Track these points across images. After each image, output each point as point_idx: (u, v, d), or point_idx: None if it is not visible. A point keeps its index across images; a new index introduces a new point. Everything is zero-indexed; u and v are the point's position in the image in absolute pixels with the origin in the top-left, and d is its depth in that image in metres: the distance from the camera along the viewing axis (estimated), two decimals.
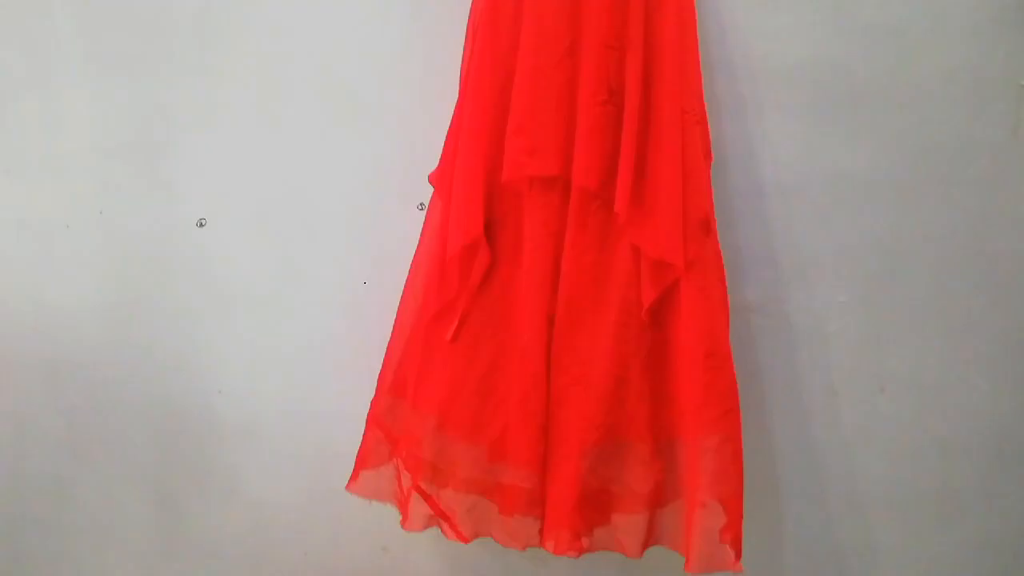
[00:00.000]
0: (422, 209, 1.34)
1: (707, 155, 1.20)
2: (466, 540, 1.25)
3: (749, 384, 1.33)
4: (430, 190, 1.27)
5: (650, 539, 1.22)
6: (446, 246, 1.20)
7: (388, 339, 1.29)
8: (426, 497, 1.23)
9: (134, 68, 1.38)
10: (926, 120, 1.27)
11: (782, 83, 1.27)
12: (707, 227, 1.16)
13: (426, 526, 1.28)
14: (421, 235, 1.28)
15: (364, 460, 1.29)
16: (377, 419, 1.28)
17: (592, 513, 1.19)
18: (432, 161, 1.26)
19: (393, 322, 1.29)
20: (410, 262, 1.29)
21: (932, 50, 1.25)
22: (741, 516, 1.16)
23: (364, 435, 1.29)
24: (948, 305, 1.32)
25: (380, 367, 1.30)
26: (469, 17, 1.22)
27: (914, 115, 1.27)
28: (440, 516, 1.24)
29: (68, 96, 1.39)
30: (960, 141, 1.28)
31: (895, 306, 1.33)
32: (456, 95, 1.24)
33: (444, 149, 1.24)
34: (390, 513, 1.30)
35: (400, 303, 1.29)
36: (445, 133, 1.25)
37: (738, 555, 1.16)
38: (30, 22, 1.37)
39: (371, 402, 1.29)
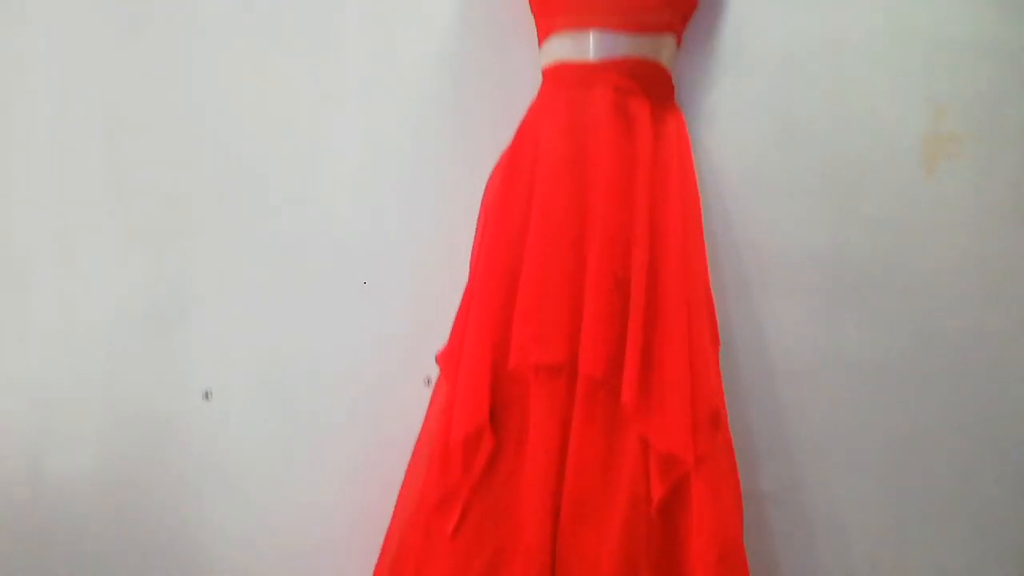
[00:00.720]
0: (428, 385, 1.33)
1: (715, 341, 1.19)
2: None
3: None
4: (436, 366, 1.26)
5: None
6: (450, 431, 1.18)
7: (387, 525, 1.25)
8: None
9: (153, 241, 1.41)
10: (935, 306, 1.27)
11: (788, 268, 1.29)
12: (717, 421, 1.13)
13: None
14: (426, 416, 1.26)
15: None
16: None
17: None
18: (440, 337, 1.26)
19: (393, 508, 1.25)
20: (415, 439, 1.26)
21: (936, 240, 1.26)
22: None
23: None
24: (970, 494, 1.27)
25: (379, 550, 1.24)
26: (481, 203, 1.26)
27: (922, 301, 1.27)
28: None
29: (87, 267, 1.42)
30: (971, 327, 1.27)
31: (915, 495, 1.29)
32: (466, 276, 1.25)
33: (453, 330, 1.24)
34: None
35: (402, 486, 1.25)
36: (454, 311, 1.25)
37: None
38: (58, 197, 1.42)
39: None
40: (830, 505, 1.30)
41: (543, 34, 1.21)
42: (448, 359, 1.23)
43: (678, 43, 1.23)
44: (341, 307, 1.39)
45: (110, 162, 1.39)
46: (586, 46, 1.16)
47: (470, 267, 1.25)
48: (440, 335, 1.26)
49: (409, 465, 1.25)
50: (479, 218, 1.26)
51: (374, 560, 1.25)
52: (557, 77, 1.20)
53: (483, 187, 1.25)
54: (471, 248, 1.26)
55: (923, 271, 1.26)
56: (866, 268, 1.27)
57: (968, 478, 1.27)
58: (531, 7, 1.23)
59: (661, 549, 1.12)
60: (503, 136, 1.24)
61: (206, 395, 1.42)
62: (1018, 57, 1.25)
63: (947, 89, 1.25)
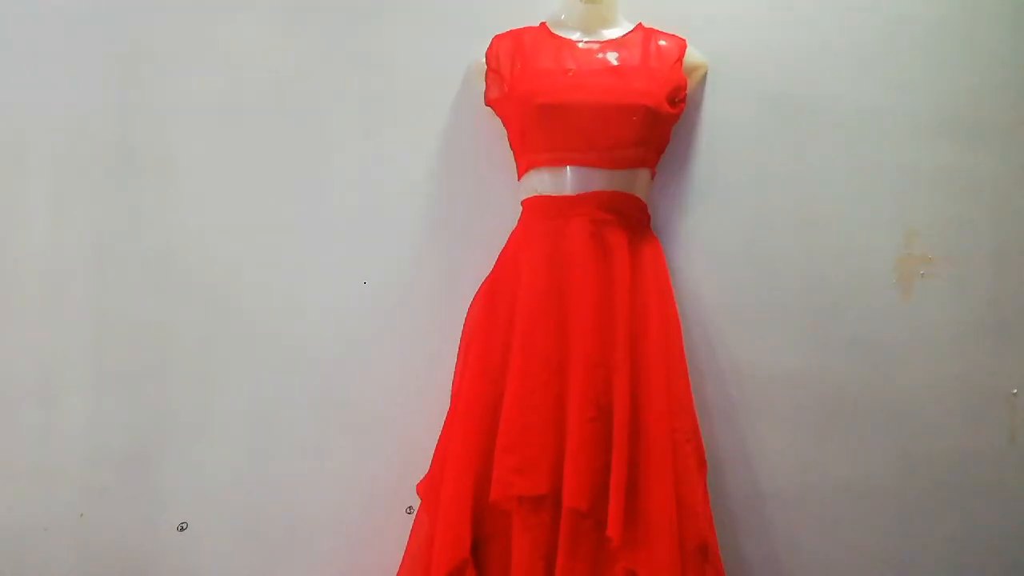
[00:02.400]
0: (410, 513, 1.30)
1: (702, 466, 1.18)
2: None
3: None
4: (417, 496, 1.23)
5: None
6: (432, 566, 1.14)
7: None
8: None
9: (135, 380, 1.39)
10: (921, 430, 1.27)
11: (771, 391, 1.29)
12: (705, 553, 1.10)
13: None
14: (406, 550, 1.22)
15: None
16: None
17: None
18: (421, 466, 1.24)
19: None
20: (396, 569, 1.22)
21: (918, 362, 1.27)
22: None
23: None
24: None
25: None
26: (463, 330, 1.26)
27: (909, 425, 1.27)
28: None
29: (68, 407, 1.40)
30: (957, 450, 1.26)
31: None
32: (447, 405, 1.24)
33: (433, 460, 1.23)
34: None
35: None
36: (435, 439, 1.24)
37: None
38: (41, 334, 1.40)
39: None
40: None
41: (523, 169, 1.25)
42: (429, 490, 1.21)
43: (652, 175, 1.27)
44: (320, 436, 1.37)
45: (94, 298, 1.38)
46: (564, 180, 1.20)
47: (452, 394, 1.24)
48: (421, 464, 1.24)
49: None
50: (461, 345, 1.26)
51: None
52: (536, 209, 1.22)
53: (464, 315, 1.26)
54: (453, 375, 1.25)
55: (903, 391, 1.27)
56: (847, 390, 1.28)
57: None
58: (511, 144, 1.27)
59: None
60: (484, 264, 1.25)
61: (181, 527, 1.38)
62: (981, 182, 1.30)
63: (917, 214, 1.29)
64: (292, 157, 1.36)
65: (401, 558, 1.23)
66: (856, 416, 1.27)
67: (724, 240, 1.31)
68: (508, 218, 1.26)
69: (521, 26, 1.28)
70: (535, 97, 1.18)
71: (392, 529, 1.29)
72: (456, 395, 1.23)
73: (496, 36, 1.27)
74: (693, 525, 1.11)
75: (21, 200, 1.37)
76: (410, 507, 1.31)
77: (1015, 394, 1.26)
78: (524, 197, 1.25)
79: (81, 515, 1.39)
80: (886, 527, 1.25)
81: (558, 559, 1.11)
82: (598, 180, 1.19)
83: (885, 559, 1.25)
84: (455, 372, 1.24)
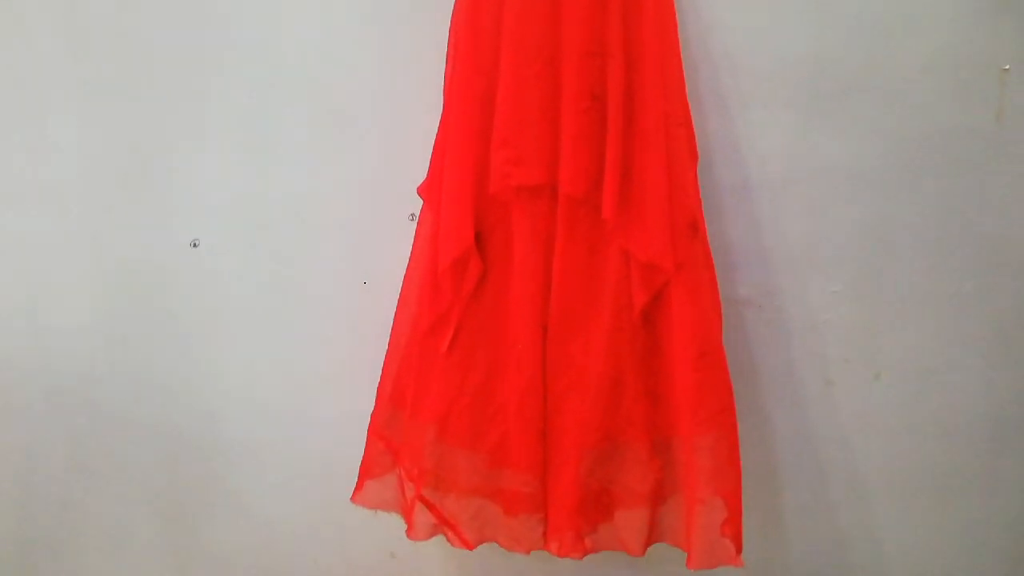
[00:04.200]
0: (413, 220, 1.35)
1: (692, 155, 1.21)
2: (471, 547, 1.27)
3: (745, 377, 1.35)
4: (420, 201, 1.28)
5: (652, 537, 1.24)
6: (438, 258, 1.21)
7: (386, 349, 1.30)
8: (430, 506, 1.25)
9: (122, 93, 1.38)
10: (910, 110, 1.27)
11: (765, 79, 1.28)
12: (695, 228, 1.16)
13: (431, 535, 1.29)
14: (413, 247, 1.28)
15: (368, 471, 1.31)
16: (378, 430, 1.29)
17: (594, 514, 1.21)
18: (420, 172, 1.27)
19: (390, 332, 1.30)
20: (403, 273, 1.30)
21: (912, 40, 1.25)
22: (741, 511, 1.18)
23: (366, 446, 1.30)
24: (939, 289, 1.33)
25: (379, 377, 1.31)
26: (449, 30, 1.23)
27: (898, 105, 1.27)
28: (444, 524, 1.26)
29: (56, 123, 1.40)
30: (945, 129, 1.28)
31: (887, 293, 1.34)
32: (440, 106, 1.24)
33: (431, 161, 1.25)
34: (396, 519, 1.32)
35: (395, 315, 1.30)
36: (431, 144, 1.25)
37: (739, 549, 1.17)
38: (16, 52, 1.37)
39: (371, 414, 1.30)
40: (805, 307, 1.35)
41: None
42: (429, 190, 1.25)
43: None
44: (321, 149, 1.39)
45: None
46: None
47: (444, 96, 1.23)
48: (420, 172, 1.26)
49: (401, 293, 1.29)
50: (448, 44, 1.23)
51: (375, 384, 1.31)
52: None
53: (450, 12, 1.22)
54: (443, 77, 1.24)
55: (899, 72, 1.26)
56: (843, 74, 1.26)
57: (937, 271, 1.32)
58: None
59: (645, 352, 1.19)
60: None
61: (193, 244, 1.44)
62: None
63: None
64: None
65: (407, 260, 1.30)
66: (845, 98, 1.26)
67: None
68: None
69: None
70: None
71: (397, 235, 1.35)
72: (448, 93, 1.22)
73: None
74: (683, 205, 1.16)
75: None
76: (412, 214, 1.35)
77: (1007, 70, 1.25)
78: None
79: (93, 236, 1.44)
80: (868, 205, 1.30)
81: (556, 243, 1.18)
82: None
83: (865, 235, 1.32)
84: (445, 71, 1.23)
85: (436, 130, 1.25)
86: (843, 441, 1.38)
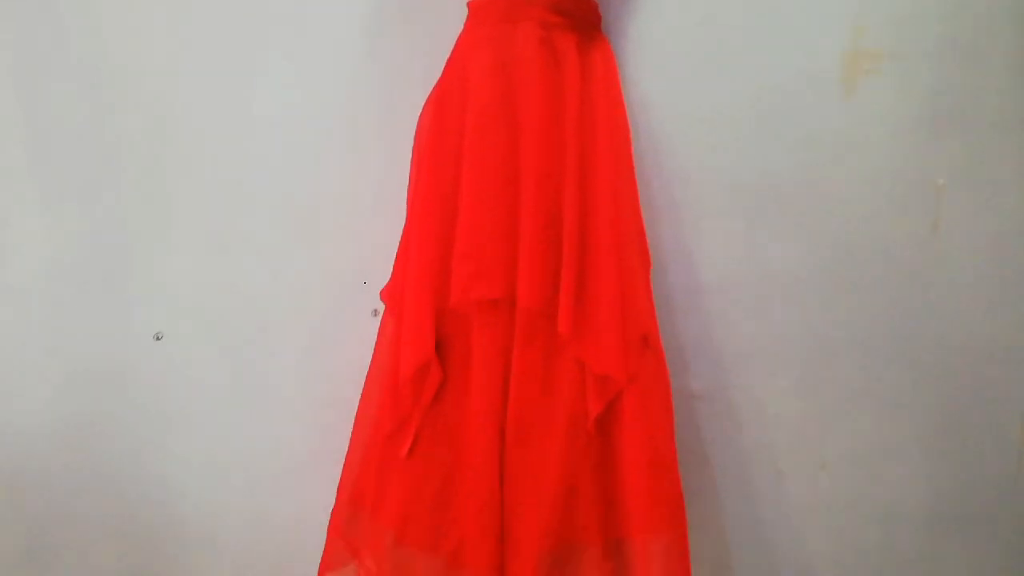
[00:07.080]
0: (377, 316, 1.38)
1: (645, 264, 1.26)
2: None
3: (698, 468, 1.40)
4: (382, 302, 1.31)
5: None
6: (399, 365, 1.24)
7: (347, 447, 1.33)
8: None
9: (84, 189, 1.39)
10: (851, 220, 1.34)
11: (714, 192, 1.34)
12: (647, 341, 1.21)
13: None
14: (375, 349, 1.31)
15: (327, 566, 1.33)
16: (338, 529, 1.31)
17: None
18: (383, 268, 1.30)
19: (351, 432, 1.33)
20: (366, 369, 1.33)
21: (853, 157, 1.32)
22: None
23: (326, 544, 1.32)
24: (879, 386, 1.39)
25: (339, 475, 1.33)
26: (414, 140, 1.27)
27: (840, 216, 1.34)
28: None
29: (19, 216, 1.40)
30: (884, 238, 1.35)
31: (830, 389, 1.40)
32: (403, 211, 1.28)
33: (394, 267, 1.28)
34: None
35: (356, 417, 1.32)
36: (394, 240, 1.29)
37: None
38: None
39: (331, 512, 1.32)
40: (754, 401, 1.41)
41: None
42: (392, 295, 1.28)
43: None
44: (284, 245, 1.41)
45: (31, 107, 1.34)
46: None
47: (407, 205, 1.27)
48: (383, 268, 1.30)
49: (363, 392, 1.32)
50: (413, 156, 1.27)
51: (335, 482, 1.33)
52: (483, 12, 1.18)
53: (415, 125, 1.26)
54: (407, 186, 1.28)
55: (839, 187, 1.32)
56: (787, 188, 1.33)
57: (877, 369, 1.38)
58: None
59: (599, 458, 1.22)
60: (432, 72, 1.23)
61: (156, 336, 1.45)
62: None
63: (866, 8, 1.27)
64: None
65: (370, 356, 1.33)
66: (792, 211, 1.33)
67: (671, 40, 1.29)
68: (457, 24, 1.22)
69: None
70: None
71: (361, 330, 1.37)
72: (411, 204, 1.26)
73: None
74: (635, 318, 1.21)
75: None
76: (376, 310, 1.38)
77: (942, 184, 1.33)
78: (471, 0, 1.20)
79: (56, 329, 1.44)
80: (811, 307, 1.37)
81: (514, 353, 1.22)
82: None
83: (809, 335, 1.38)
84: (409, 182, 1.27)
85: (399, 229, 1.28)
86: (792, 528, 1.43)
